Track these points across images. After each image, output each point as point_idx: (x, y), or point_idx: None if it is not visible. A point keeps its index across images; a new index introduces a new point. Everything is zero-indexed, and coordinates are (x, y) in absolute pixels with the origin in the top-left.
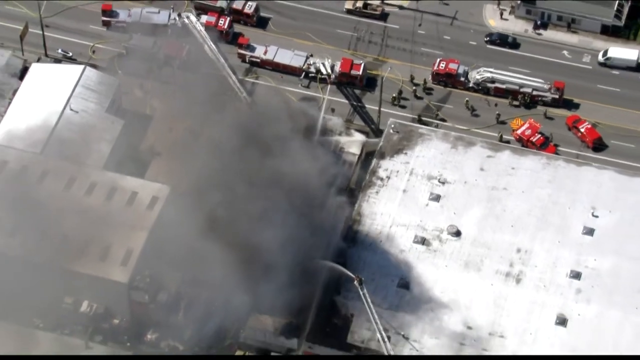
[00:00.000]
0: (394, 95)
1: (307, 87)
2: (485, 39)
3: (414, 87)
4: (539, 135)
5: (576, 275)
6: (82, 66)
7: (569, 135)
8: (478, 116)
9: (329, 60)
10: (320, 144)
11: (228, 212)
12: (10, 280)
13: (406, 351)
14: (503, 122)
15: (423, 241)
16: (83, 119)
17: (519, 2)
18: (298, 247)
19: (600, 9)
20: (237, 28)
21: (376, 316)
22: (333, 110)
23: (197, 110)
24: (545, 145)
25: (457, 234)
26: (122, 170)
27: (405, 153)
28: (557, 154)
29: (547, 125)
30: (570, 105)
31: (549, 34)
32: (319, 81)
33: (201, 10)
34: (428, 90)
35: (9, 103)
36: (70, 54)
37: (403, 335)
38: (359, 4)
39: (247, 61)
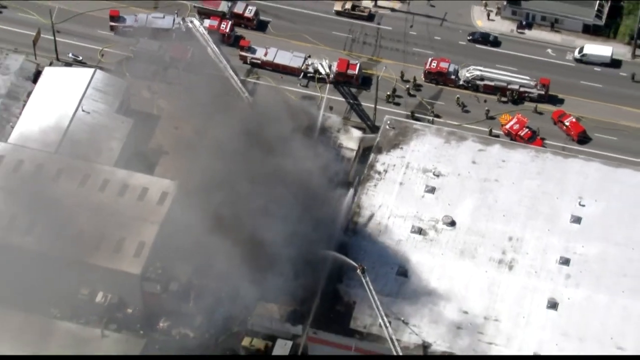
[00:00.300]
0: (388, 93)
1: (306, 86)
2: (469, 38)
3: (407, 86)
4: (527, 130)
5: (565, 262)
6: (93, 69)
7: (554, 129)
8: (468, 112)
9: (327, 61)
10: (320, 141)
11: (234, 207)
12: (29, 274)
13: (406, 336)
14: (492, 118)
15: (420, 231)
16: (94, 119)
17: (505, 3)
18: (302, 238)
19: (582, 9)
20: (239, 31)
21: (378, 303)
22: (331, 108)
23: (202, 110)
24: (532, 138)
25: (452, 224)
26: (132, 167)
27: (401, 148)
28: (544, 147)
29: (534, 120)
30: (555, 100)
31: (534, 34)
32: (317, 80)
33: (204, 14)
34: (417, 87)
35: (24, 105)
36: (81, 57)
37: (403, 321)
38: (348, 6)
39: (248, 62)
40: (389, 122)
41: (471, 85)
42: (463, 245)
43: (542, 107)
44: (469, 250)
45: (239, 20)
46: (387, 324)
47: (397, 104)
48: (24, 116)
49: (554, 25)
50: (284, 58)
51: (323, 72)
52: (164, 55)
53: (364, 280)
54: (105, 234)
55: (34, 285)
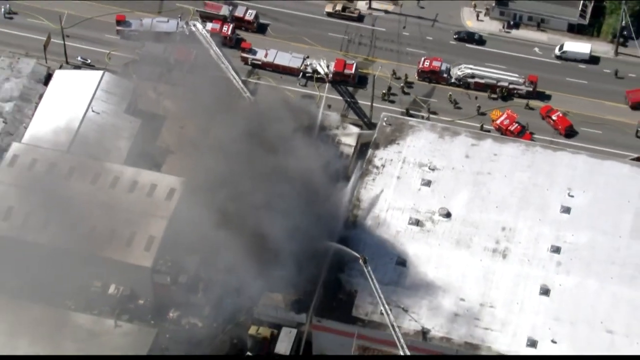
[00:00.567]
0: (383, 91)
1: (305, 85)
2: (455, 37)
3: (401, 84)
4: (516, 124)
5: (556, 250)
6: (101, 71)
7: (542, 123)
8: (460, 108)
9: (324, 61)
10: (320, 137)
11: (239, 202)
12: (45, 268)
13: (406, 322)
14: (483, 114)
15: (417, 222)
16: (104, 119)
17: (493, 4)
18: (305, 231)
19: (566, 9)
20: (239, 34)
21: (380, 291)
22: (329, 106)
23: (206, 109)
24: (522, 133)
25: (448, 215)
26: (140, 165)
27: (398, 143)
28: (533, 141)
29: (524, 115)
30: (543, 96)
31: (521, 33)
32: (316, 80)
33: (206, 18)
34: (408, 84)
35: (36, 107)
36: (89, 60)
37: (403, 308)
38: (338, 7)
39: (249, 64)
40: (385, 118)
41: (463, 83)
42: (458, 235)
43: (530, 103)
44: (464, 240)
45: (239, 23)
46: (389, 312)
47: (392, 102)
48: (36, 117)
49: (540, 24)
50: (284, 59)
51: (322, 72)
52: (168, 58)
53: (365, 270)
54: (117, 229)
55: (50, 279)
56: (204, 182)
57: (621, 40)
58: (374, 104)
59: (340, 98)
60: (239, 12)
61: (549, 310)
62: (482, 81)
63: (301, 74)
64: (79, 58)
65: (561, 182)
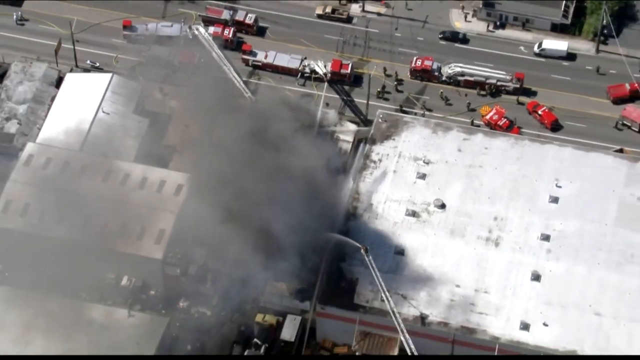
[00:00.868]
0: (378, 89)
1: (303, 85)
2: (440, 36)
3: (395, 82)
4: (505, 119)
5: (546, 238)
6: (110, 74)
7: (529, 118)
8: (451, 105)
9: (322, 61)
10: (319, 134)
11: (244, 197)
12: (61, 262)
13: (405, 309)
14: (473, 110)
15: (413, 214)
16: (113, 119)
17: (480, 5)
18: (309, 223)
19: (549, 9)
20: (240, 37)
21: (380, 279)
22: (327, 104)
23: (210, 108)
24: (510, 127)
25: (442, 206)
26: (149, 162)
27: (394, 139)
28: (520, 134)
29: (512, 110)
30: (529, 92)
31: (507, 33)
32: (314, 80)
33: (208, 22)
34: (399, 82)
35: (49, 108)
36: (97, 64)
37: (402, 295)
38: (328, 10)
39: (250, 65)
40: (381, 115)
41: (453, 81)
42: (453, 225)
43: (520, 99)
44: (458, 229)
45: (240, 26)
46: (389, 298)
47: (387, 99)
48: (49, 118)
49: (525, 24)
50: (283, 60)
51: (321, 72)
52: (173, 60)
53: (367, 259)
54: (128, 223)
55: (65, 272)
56: (210, 178)
57: (602, 38)
58: (369, 102)
59: (337, 96)
60: (239, 16)
61: (540, 295)
62: (472, 79)
63: (299, 74)
64: (88, 62)
65: (549, 174)
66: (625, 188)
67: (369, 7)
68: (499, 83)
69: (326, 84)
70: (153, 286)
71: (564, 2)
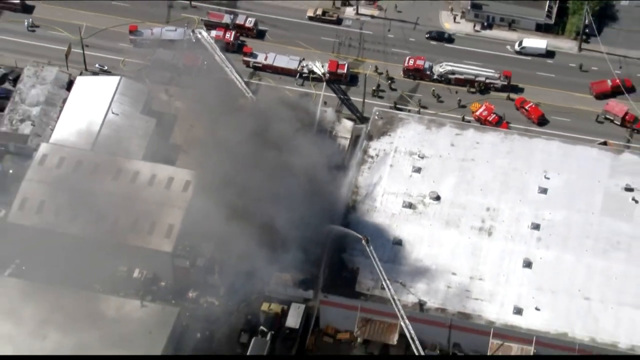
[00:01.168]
0: (373, 88)
1: (302, 85)
2: (426, 36)
3: (389, 81)
4: (494, 115)
5: (536, 227)
6: (119, 77)
7: (517, 113)
8: (443, 102)
9: (319, 62)
10: (319, 131)
11: (249, 193)
12: (74, 255)
13: (404, 296)
14: (464, 106)
15: (410, 205)
16: (122, 120)
17: (468, 7)
18: (310, 216)
19: (534, 10)
20: (241, 39)
21: (381, 268)
22: (325, 103)
23: (213, 108)
24: (499, 123)
25: (437, 198)
26: (157, 160)
27: (389, 135)
28: (509, 129)
29: (500, 107)
30: (516, 89)
31: (495, 33)
32: (312, 80)
33: (210, 26)
34: (390, 80)
35: (60, 110)
36: (106, 67)
37: (401, 283)
38: (319, 12)
39: (250, 66)
40: (377, 113)
41: (444, 79)
42: (448, 216)
43: (505, 95)
44: (453, 220)
45: (240, 30)
46: (389, 286)
47: (381, 97)
48: (61, 120)
49: (511, 25)
50: (282, 61)
51: (320, 73)
52: (177, 63)
53: (368, 249)
54: (139, 219)
55: (79, 266)
56: (215, 175)
57: (584, 37)
58: (365, 100)
59: (334, 95)
60: (239, 20)
61: (532, 281)
62: (462, 77)
63: (298, 74)
64: (97, 65)
65: (538, 166)
66: (610, 179)
67: (362, 10)
68: (487, 81)
69: (324, 83)
70: (163, 278)
71: (548, 3)
